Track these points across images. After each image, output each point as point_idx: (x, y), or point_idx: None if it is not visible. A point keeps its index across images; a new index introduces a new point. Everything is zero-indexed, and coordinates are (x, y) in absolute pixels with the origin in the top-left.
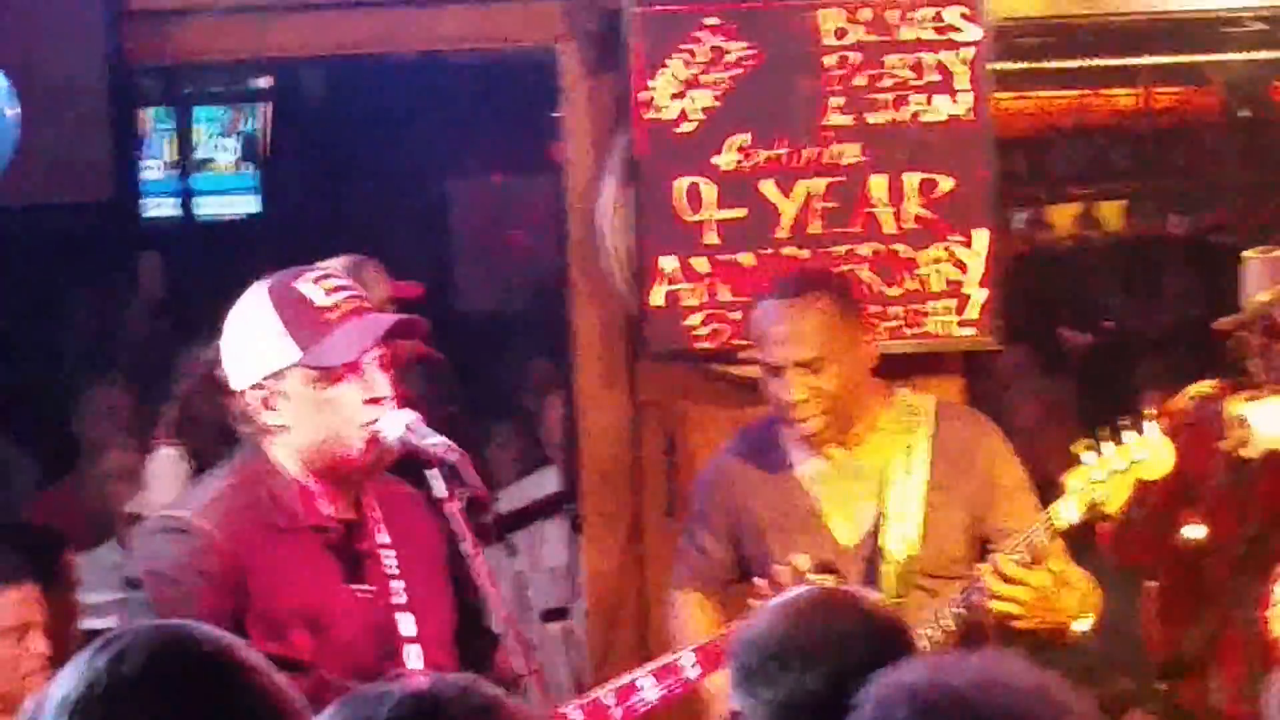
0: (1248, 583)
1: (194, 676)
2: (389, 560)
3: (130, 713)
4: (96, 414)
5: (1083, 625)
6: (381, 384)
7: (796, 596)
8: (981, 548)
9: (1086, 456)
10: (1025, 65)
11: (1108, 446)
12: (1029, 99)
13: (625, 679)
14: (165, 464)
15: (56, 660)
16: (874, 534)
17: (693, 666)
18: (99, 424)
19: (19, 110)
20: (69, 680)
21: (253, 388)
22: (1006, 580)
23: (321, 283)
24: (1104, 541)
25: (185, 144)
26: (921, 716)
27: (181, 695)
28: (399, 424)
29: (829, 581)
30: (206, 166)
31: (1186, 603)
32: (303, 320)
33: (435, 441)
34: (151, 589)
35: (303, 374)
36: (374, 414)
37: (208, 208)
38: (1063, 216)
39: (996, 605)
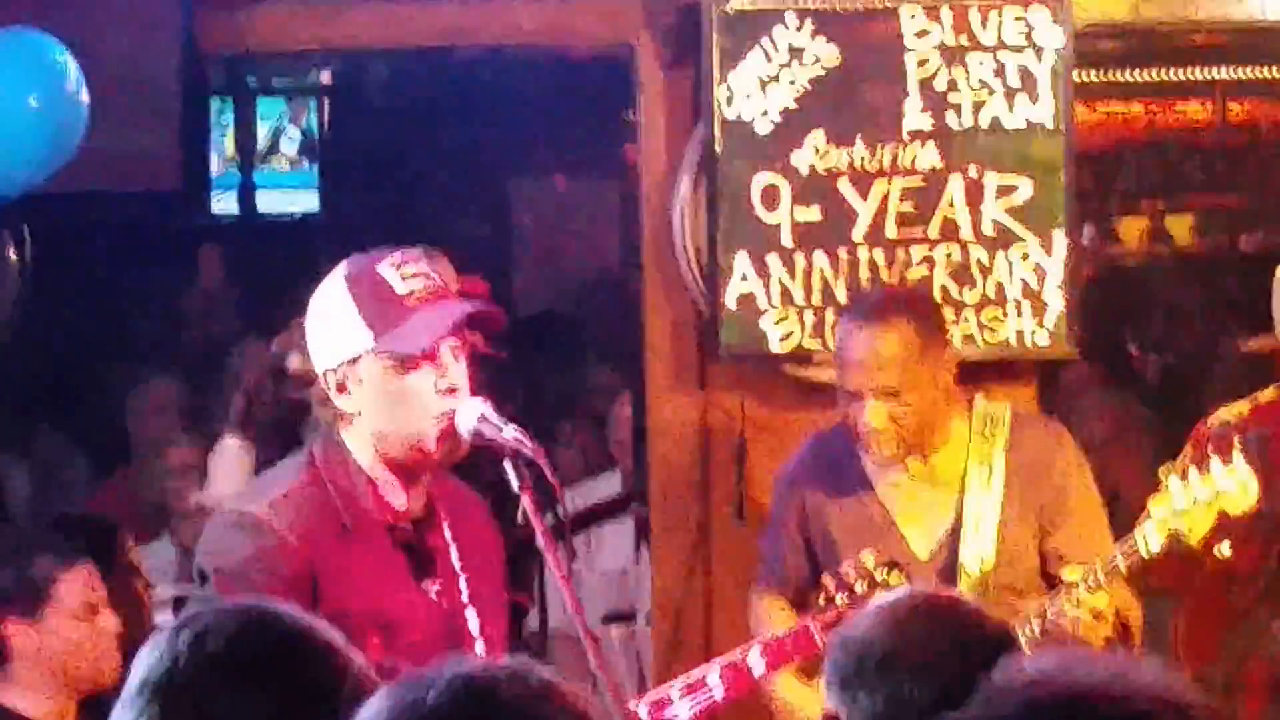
0: (1273, 612)
1: (277, 655)
2: (455, 557)
3: (215, 692)
4: (148, 410)
5: None
6: (457, 373)
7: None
8: (1041, 563)
9: (1171, 482)
10: (1096, 78)
11: (1193, 473)
12: (1100, 111)
13: (694, 675)
14: (230, 455)
15: (129, 646)
16: (949, 546)
17: (759, 662)
18: (150, 420)
19: (89, 96)
20: (149, 660)
21: (328, 372)
22: (1096, 616)
23: (401, 268)
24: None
25: (245, 138)
26: (1032, 708)
27: (265, 673)
28: (473, 413)
29: (896, 578)
30: (266, 162)
31: (1212, 632)
32: (379, 306)
33: (510, 433)
34: (219, 585)
35: (377, 360)
36: (448, 404)
37: (267, 203)
38: (1132, 230)
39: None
